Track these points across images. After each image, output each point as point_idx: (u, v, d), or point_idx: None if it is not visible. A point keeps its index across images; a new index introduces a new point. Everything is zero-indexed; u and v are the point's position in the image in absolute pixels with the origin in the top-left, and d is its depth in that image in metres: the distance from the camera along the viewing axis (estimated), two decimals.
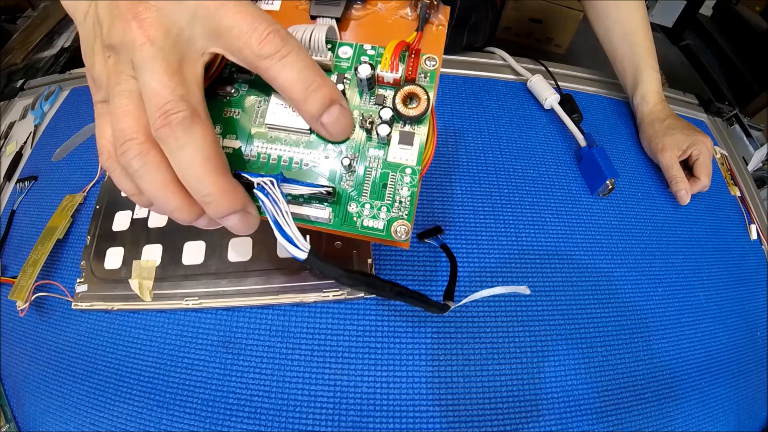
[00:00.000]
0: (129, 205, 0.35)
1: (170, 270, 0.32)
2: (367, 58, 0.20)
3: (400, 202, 0.19)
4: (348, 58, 0.20)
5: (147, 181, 0.16)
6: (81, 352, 0.31)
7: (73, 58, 0.71)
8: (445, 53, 0.42)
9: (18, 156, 0.44)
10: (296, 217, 0.19)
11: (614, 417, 0.30)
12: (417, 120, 0.19)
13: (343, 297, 0.30)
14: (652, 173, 0.43)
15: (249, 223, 0.17)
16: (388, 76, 0.19)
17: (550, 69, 0.48)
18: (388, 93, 0.19)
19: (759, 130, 0.52)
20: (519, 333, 0.32)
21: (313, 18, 0.21)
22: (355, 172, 0.19)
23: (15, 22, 0.86)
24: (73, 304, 0.31)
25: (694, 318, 0.36)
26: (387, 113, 0.19)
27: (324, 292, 0.30)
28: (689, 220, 0.41)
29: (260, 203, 0.17)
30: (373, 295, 0.31)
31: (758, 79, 1.24)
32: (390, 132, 0.19)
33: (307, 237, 0.17)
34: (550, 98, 0.44)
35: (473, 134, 0.41)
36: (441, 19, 0.21)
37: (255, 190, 0.17)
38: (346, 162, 0.19)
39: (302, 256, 0.17)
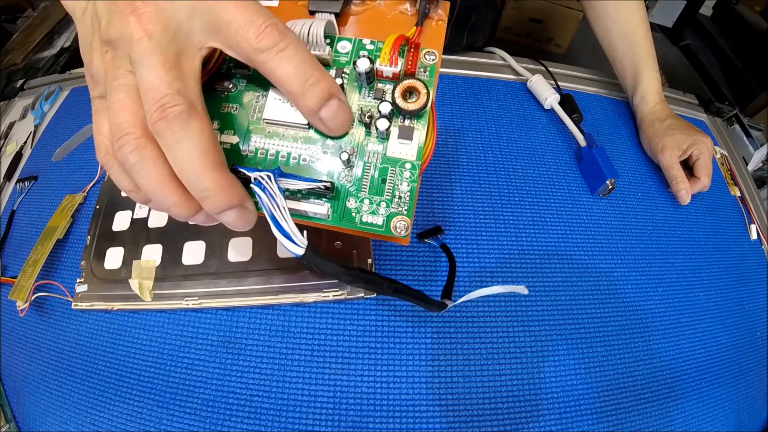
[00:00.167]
0: (129, 205, 0.35)
1: (170, 270, 0.32)
2: (365, 53, 0.20)
3: (400, 197, 0.19)
4: (347, 53, 0.20)
5: (144, 176, 0.16)
6: (81, 352, 0.31)
7: (73, 58, 0.71)
8: (445, 53, 0.42)
9: (18, 156, 0.44)
10: (294, 213, 0.19)
11: (614, 417, 0.30)
12: (416, 114, 0.19)
13: (343, 297, 0.30)
14: (652, 173, 0.43)
15: (246, 218, 0.17)
16: (387, 70, 0.19)
17: (550, 69, 0.48)
18: (387, 87, 0.19)
19: (759, 130, 0.52)
20: (519, 333, 0.32)
21: (312, 13, 0.21)
22: (353, 167, 0.19)
23: (15, 22, 0.86)
24: (73, 304, 0.31)
25: (694, 318, 0.36)
26: (386, 107, 0.19)
27: (324, 292, 0.30)
28: (689, 220, 0.41)
29: (257, 198, 0.17)
30: (372, 294, 0.31)
31: (758, 79, 1.24)
32: (389, 126, 0.19)
33: (305, 233, 0.17)
34: (550, 98, 0.44)
35: (473, 134, 0.41)
36: (440, 14, 0.21)
37: (252, 185, 0.17)
38: (345, 157, 0.18)
39: (299, 251, 0.17)
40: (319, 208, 0.18)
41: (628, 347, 0.33)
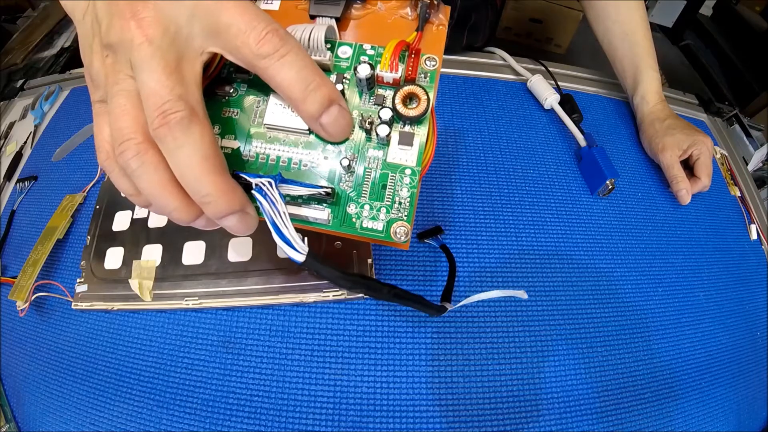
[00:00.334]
0: (129, 205, 0.35)
1: (170, 270, 0.32)
2: (366, 58, 0.20)
3: (400, 203, 0.19)
4: (347, 58, 0.20)
5: (145, 181, 0.16)
6: (81, 352, 0.31)
7: (73, 58, 0.71)
8: (444, 53, 0.42)
9: (18, 156, 0.44)
10: (295, 218, 0.19)
11: (614, 417, 0.30)
12: (417, 120, 0.19)
13: (343, 297, 0.30)
14: (652, 173, 0.43)
15: (247, 223, 0.17)
16: (388, 76, 0.19)
17: (550, 69, 0.48)
18: (388, 93, 0.19)
19: (759, 130, 0.52)
20: (519, 333, 0.32)
21: (313, 17, 0.21)
22: (354, 172, 0.19)
23: (15, 22, 0.86)
24: (73, 304, 0.31)
25: (694, 318, 0.36)
26: (386, 113, 0.19)
27: (324, 292, 0.30)
28: (689, 220, 0.41)
29: (258, 204, 0.17)
30: (366, 295, 0.31)
31: (758, 79, 1.24)
32: (389, 132, 0.19)
33: (305, 239, 0.17)
34: (550, 98, 0.44)
35: (473, 134, 0.41)
36: (441, 18, 0.21)
37: (253, 191, 0.17)
38: (345, 162, 0.19)
39: (300, 258, 0.17)
40: (319, 214, 0.19)
41: (628, 347, 0.33)
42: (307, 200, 0.19)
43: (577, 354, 0.32)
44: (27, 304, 0.31)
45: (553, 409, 0.30)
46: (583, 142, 0.41)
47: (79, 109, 0.46)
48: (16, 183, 0.41)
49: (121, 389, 0.30)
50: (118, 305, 0.31)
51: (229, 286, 0.31)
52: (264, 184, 0.17)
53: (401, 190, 0.19)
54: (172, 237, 0.33)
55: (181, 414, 0.28)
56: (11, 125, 0.48)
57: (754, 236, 0.42)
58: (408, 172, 0.19)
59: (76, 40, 0.74)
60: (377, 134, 0.19)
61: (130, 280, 0.31)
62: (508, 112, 0.44)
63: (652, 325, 0.35)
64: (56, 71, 0.66)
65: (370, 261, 0.31)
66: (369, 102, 0.19)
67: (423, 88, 0.19)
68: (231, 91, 0.20)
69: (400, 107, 0.18)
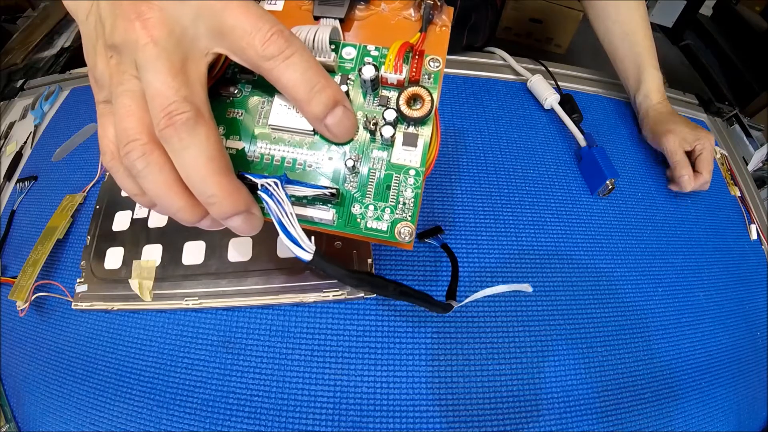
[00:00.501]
0: (129, 205, 0.35)
1: (170, 270, 0.32)
2: (370, 59, 0.20)
3: (404, 203, 0.19)
4: (352, 59, 0.20)
5: (150, 181, 0.16)
6: (81, 352, 0.31)
7: (73, 58, 0.71)
8: None
9: (18, 156, 0.44)
10: (300, 219, 0.19)
11: (614, 417, 0.30)
12: (421, 121, 0.19)
13: (343, 297, 0.30)
14: (652, 173, 0.43)
15: (253, 224, 0.17)
16: (392, 77, 0.19)
17: (550, 69, 0.48)
18: (392, 94, 0.19)
19: (759, 130, 0.52)
20: (519, 333, 0.32)
21: (317, 18, 0.21)
22: (358, 173, 0.19)
23: (15, 22, 0.86)
24: (73, 304, 0.32)
25: (694, 318, 0.36)
26: (391, 115, 0.19)
27: (324, 292, 0.30)
28: (689, 220, 0.41)
29: (264, 204, 0.17)
30: (375, 295, 0.31)
31: (758, 79, 1.24)
32: (394, 133, 0.19)
33: (312, 238, 0.17)
34: (550, 98, 0.44)
35: (473, 134, 0.41)
36: (444, 20, 0.21)
37: (259, 192, 0.17)
38: (350, 163, 0.19)
39: (307, 257, 0.17)
40: (324, 214, 0.19)
41: (628, 347, 0.33)
42: (311, 201, 0.19)
43: (577, 354, 0.32)
44: (27, 304, 0.31)
45: (553, 409, 0.30)
46: (583, 142, 0.41)
47: (79, 109, 0.46)
48: (16, 183, 0.41)
49: (121, 389, 0.30)
50: (118, 305, 0.31)
51: (229, 286, 0.31)
52: (270, 185, 0.17)
53: (405, 190, 0.19)
54: (172, 237, 0.33)
55: (181, 414, 0.28)
56: (11, 125, 0.48)
57: (754, 236, 0.42)
58: (412, 172, 0.19)
59: (76, 40, 0.75)
60: (381, 135, 0.19)
61: (130, 280, 0.31)
62: (508, 112, 0.44)
63: (652, 325, 0.35)
64: (56, 71, 0.66)
65: (370, 261, 0.31)
66: (373, 103, 0.20)
67: (427, 90, 0.19)
68: (236, 91, 0.20)
69: (404, 108, 0.19)
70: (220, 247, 0.32)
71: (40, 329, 0.33)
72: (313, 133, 0.19)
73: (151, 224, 0.34)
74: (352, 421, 0.28)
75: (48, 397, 0.31)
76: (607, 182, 0.38)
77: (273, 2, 0.22)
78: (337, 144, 0.19)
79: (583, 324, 0.33)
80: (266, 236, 0.31)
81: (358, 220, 0.19)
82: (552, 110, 0.44)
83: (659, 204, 0.41)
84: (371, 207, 0.19)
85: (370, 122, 0.19)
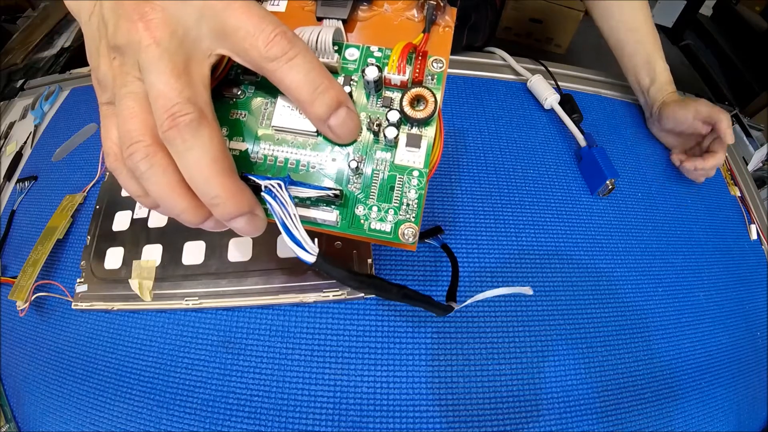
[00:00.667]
0: (129, 205, 0.35)
1: (170, 270, 0.32)
2: (374, 60, 0.20)
3: (408, 204, 0.19)
4: (355, 60, 0.20)
5: (154, 183, 0.16)
6: (81, 352, 0.31)
7: (73, 58, 0.71)
8: None
9: (18, 156, 0.44)
10: (304, 220, 0.19)
11: (614, 417, 0.30)
12: (424, 122, 0.19)
13: (343, 297, 0.30)
14: (652, 173, 0.43)
15: (256, 225, 0.17)
16: (396, 78, 0.19)
17: (550, 69, 0.48)
18: (395, 95, 0.19)
19: (759, 130, 0.52)
20: (519, 333, 0.32)
21: (319, 19, 0.21)
22: (362, 174, 0.19)
23: (15, 22, 0.86)
24: (73, 304, 0.32)
25: (694, 318, 0.36)
26: (394, 115, 0.19)
27: (324, 292, 0.30)
28: (689, 220, 0.41)
29: (268, 206, 0.17)
30: (372, 294, 0.31)
31: (758, 79, 1.24)
32: (397, 134, 0.19)
33: (316, 240, 0.17)
34: (550, 98, 0.44)
35: (473, 134, 0.41)
36: (447, 20, 0.21)
37: (263, 193, 0.17)
38: (354, 164, 0.19)
39: (311, 259, 0.17)
40: (328, 215, 0.19)
41: (628, 347, 0.33)
42: (315, 202, 0.19)
43: (577, 354, 0.32)
44: (27, 304, 0.31)
45: (553, 409, 0.30)
46: (583, 142, 0.41)
47: (79, 109, 0.46)
48: (16, 183, 0.41)
49: (121, 389, 0.30)
50: (118, 305, 0.31)
51: (229, 286, 0.31)
52: (273, 186, 0.17)
53: (409, 191, 0.19)
54: (172, 237, 0.33)
55: (181, 414, 0.28)
56: (11, 125, 0.48)
57: (754, 236, 0.42)
58: (416, 173, 0.19)
59: (76, 40, 0.75)
60: (385, 136, 0.19)
61: (130, 280, 0.31)
62: (508, 112, 0.44)
63: (652, 325, 0.35)
64: (56, 71, 0.66)
65: (370, 261, 0.31)
66: (377, 104, 0.20)
67: (430, 90, 0.19)
68: (239, 93, 0.20)
69: (407, 109, 0.19)
70: (220, 247, 0.32)
71: (40, 329, 0.33)
72: (316, 134, 0.19)
73: (151, 224, 0.34)
74: (352, 421, 0.28)
75: (48, 397, 0.31)
76: (607, 182, 0.38)
77: (276, 3, 0.22)
78: (340, 145, 0.19)
79: (583, 324, 0.33)
80: (266, 236, 0.31)
81: (362, 221, 0.19)
82: (552, 110, 0.44)
83: (659, 204, 0.41)
84: (375, 208, 0.19)
85: (373, 123, 0.19)
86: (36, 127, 0.46)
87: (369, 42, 0.20)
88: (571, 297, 0.34)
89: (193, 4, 0.15)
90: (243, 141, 0.19)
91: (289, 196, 0.17)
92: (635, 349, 0.33)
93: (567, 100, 0.44)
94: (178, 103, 0.15)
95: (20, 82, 0.54)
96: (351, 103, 0.18)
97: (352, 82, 0.20)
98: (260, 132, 0.19)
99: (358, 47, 0.20)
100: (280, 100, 0.19)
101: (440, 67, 0.20)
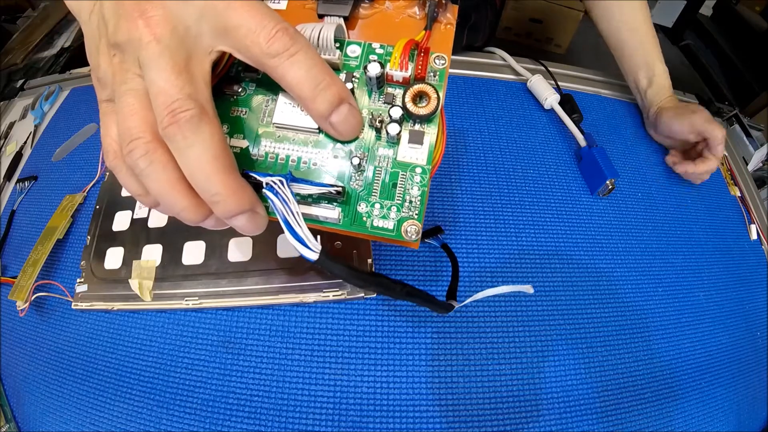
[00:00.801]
0: (129, 205, 0.35)
1: (170, 270, 0.32)
2: (376, 57, 0.20)
3: (410, 201, 0.19)
4: (357, 57, 0.20)
5: (154, 180, 0.16)
6: (81, 352, 0.31)
7: (73, 58, 0.71)
8: None
9: (18, 156, 0.44)
10: (306, 218, 0.19)
11: (614, 417, 0.30)
12: (427, 119, 0.19)
13: (343, 297, 0.30)
14: (652, 173, 0.43)
15: (257, 223, 0.17)
16: (398, 74, 0.19)
17: (550, 69, 0.48)
18: (398, 92, 0.19)
19: (759, 130, 0.52)
20: (519, 333, 0.32)
21: (321, 17, 0.21)
22: (364, 171, 0.19)
23: (15, 22, 0.86)
24: (73, 304, 0.31)
25: (694, 318, 0.36)
26: (397, 112, 0.19)
27: (324, 292, 0.30)
28: (689, 220, 0.41)
29: (270, 203, 0.17)
30: (372, 294, 0.31)
31: (758, 79, 1.24)
32: (400, 131, 0.19)
33: (318, 237, 0.17)
34: (550, 98, 0.44)
35: (473, 134, 0.41)
36: (449, 17, 0.21)
37: (264, 190, 0.17)
38: (356, 161, 0.18)
39: (313, 257, 0.17)
40: (330, 213, 0.18)
41: (628, 347, 0.33)
42: (317, 199, 0.19)
43: (577, 354, 0.32)
44: (27, 304, 0.31)
45: (553, 409, 0.30)
46: (583, 142, 0.41)
47: (79, 109, 0.46)
48: (16, 183, 0.41)
49: (121, 389, 0.30)
50: (118, 305, 0.31)
51: (229, 286, 0.31)
52: (275, 183, 0.17)
53: (412, 188, 0.19)
54: (172, 237, 0.33)
55: (181, 414, 0.28)
56: (11, 125, 0.48)
57: (754, 236, 0.42)
58: (418, 170, 0.19)
59: (76, 40, 0.75)
60: (387, 133, 0.19)
61: (130, 280, 0.31)
62: (508, 112, 0.44)
63: (652, 325, 0.35)
64: (56, 71, 0.66)
65: (370, 261, 0.31)
66: (379, 101, 0.19)
67: (433, 87, 0.19)
68: (239, 90, 0.20)
69: (410, 106, 0.18)
70: (220, 247, 0.32)
71: (40, 329, 0.33)
72: (318, 131, 0.19)
73: (151, 224, 0.34)
74: (352, 421, 0.28)
75: (48, 397, 0.31)
76: (607, 182, 0.38)
77: (277, 1, 0.22)
78: (342, 142, 0.19)
79: (583, 324, 0.33)
80: (266, 236, 0.31)
81: (364, 218, 0.19)
82: (552, 110, 0.44)
83: (659, 204, 0.41)
84: (377, 205, 0.19)
85: (375, 120, 0.19)
86: (36, 127, 0.46)
87: (370, 40, 0.20)
88: (571, 297, 0.34)
89: (194, 2, 0.15)
90: (244, 138, 0.19)
91: (292, 192, 0.17)
92: (635, 349, 0.33)
93: (567, 100, 0.44)
94: (178, 99, 0.15)
95: (20, 82, 0.54)
96: (353, 100, 0.18)
97: (354, 79, 0.19)
98: (261, 129, 0.19)
99: (359, 44, 0.20)
100: (281, 97, 0.19)
101: (443, 64, 0.20)
